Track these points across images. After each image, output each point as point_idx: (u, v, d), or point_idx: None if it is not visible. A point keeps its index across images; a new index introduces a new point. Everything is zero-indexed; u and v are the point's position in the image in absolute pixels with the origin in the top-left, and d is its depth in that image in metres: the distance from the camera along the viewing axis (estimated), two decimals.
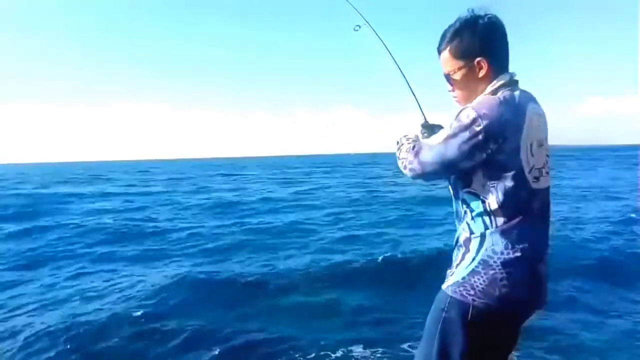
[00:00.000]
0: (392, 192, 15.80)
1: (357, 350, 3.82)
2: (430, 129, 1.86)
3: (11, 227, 11.20)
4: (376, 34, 2.01)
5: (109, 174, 43.65)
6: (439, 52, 1.58)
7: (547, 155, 1.49)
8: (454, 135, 1.39)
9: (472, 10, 1.49)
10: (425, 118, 1.93)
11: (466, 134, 1.37)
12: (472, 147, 1.37)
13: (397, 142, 1.66)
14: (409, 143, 1.59)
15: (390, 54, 1.99)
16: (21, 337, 4.18)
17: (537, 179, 1.45)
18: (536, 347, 3.57)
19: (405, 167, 1.55)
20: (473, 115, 1.37)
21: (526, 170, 1.41)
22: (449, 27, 1.53)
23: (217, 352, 3.82)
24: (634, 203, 11.62)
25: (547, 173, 1.49)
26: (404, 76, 1.97)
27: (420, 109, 1.95)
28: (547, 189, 1.50)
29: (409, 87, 1.98)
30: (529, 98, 1.47)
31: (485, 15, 1.48)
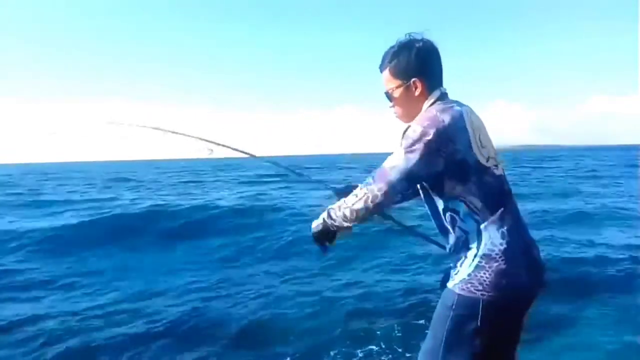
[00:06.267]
0: None
1: (355, 346, 3.82)
2: (345, 193, 1.84)
3: None
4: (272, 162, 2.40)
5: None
6: (381, 70, 1.70)
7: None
8: (410, 150, 1.49)
9: (410, 35, 1.63)
10: (333, 187, 2.03)
11: (421, 146, 1.48)
12: (429, 155, 1.48)
13: (334, 210, 1.67)
14: (352, 193, 1.62)
15: (287, 167, 2.36)
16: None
17: (496, 167, 1.58)
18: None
19: (371, 201, 1.55)
20: (419, 129, 1.50)
21: (483, 161, 1.53)
22: (390, 48, 1.66)
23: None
24: None
25: (499, 163, 1.62)
26: (294, 171, 2.32)
27: (325, 184, 2.12)
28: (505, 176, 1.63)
29: (298, 174, 2.32)
30: (459, 104, 1.61)
31: (421, 39, 1.62)
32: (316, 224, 1.73)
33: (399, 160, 1.51)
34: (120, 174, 36.67)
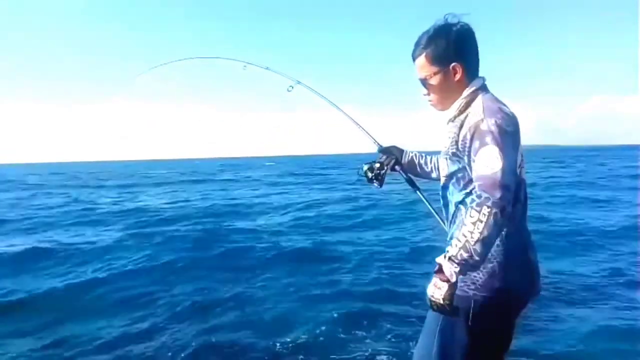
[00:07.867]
0: None
1: (353, 345, 3.71)
2: (388, 150, 2.04)
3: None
4: (310, 88, 2.33)
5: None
6: (414, 58, 1.62)
7: None
8: (501, 147, 1.36)
9: (445, 18, 1.55)
10: (378, 143, 2.11)
11: (508, 138, 1.39)
12: (517, 143, 1.43)
13: (456, 256, 1.37)
14: (466, 223, 1.37)
15: (329, 100, 2.29)
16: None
17: (521, 168, 1.52)
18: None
19: (500, 215, 1.33)
20: (496, 121, 1.40)
21: (519, 161, 1.47)
22: (423, 34, 1.58)
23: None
24: None
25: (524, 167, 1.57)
26: (347, 115, 2.26)
27: (372, 137, 2.17)
28: (525, 179, 1.58)
29: (354, 121, 2.25)
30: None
31: (458, 22, 1.54)
32: (437, 288, 1.40)
33: (497, 160, 1.35)
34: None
